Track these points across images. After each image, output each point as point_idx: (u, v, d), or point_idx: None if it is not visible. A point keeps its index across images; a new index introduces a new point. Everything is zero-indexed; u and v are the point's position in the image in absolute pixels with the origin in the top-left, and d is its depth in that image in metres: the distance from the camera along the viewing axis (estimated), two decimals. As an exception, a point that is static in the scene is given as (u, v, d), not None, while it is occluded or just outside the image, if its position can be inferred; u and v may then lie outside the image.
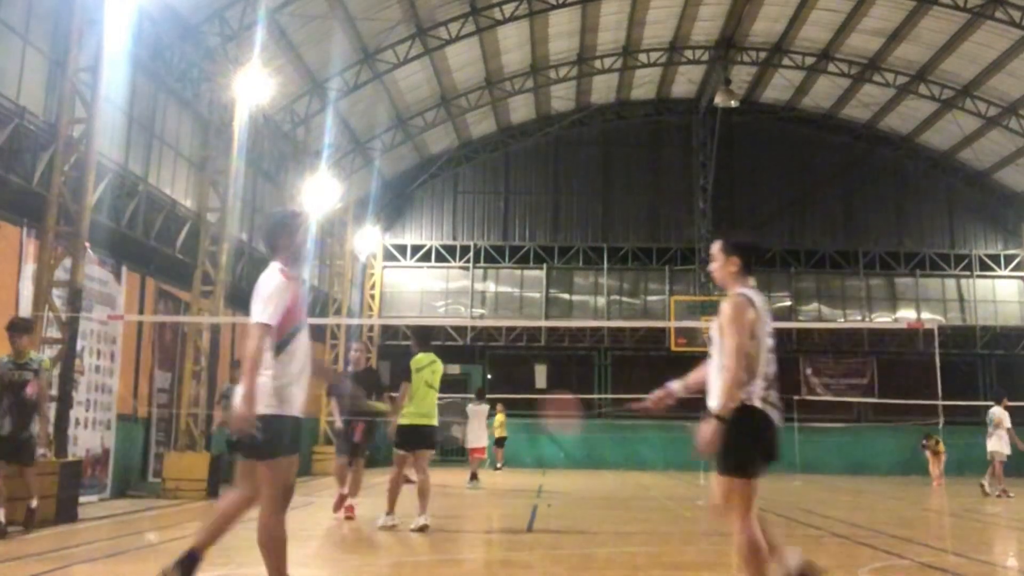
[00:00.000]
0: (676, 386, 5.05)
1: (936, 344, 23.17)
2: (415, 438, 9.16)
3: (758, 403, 4.38)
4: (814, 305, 29.00)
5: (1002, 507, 13.94)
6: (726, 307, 4.50)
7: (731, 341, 4.38)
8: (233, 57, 16.14)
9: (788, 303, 28.74)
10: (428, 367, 9.29)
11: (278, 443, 4.52)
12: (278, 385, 4.54)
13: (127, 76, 13.49)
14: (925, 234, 28.99)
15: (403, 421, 9.13)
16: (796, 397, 24.88)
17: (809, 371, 27.94)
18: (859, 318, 28.59)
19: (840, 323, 28.38)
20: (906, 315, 28.51)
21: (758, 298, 4.56)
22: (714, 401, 4.43)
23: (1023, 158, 26.39)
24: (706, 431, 4.33)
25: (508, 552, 6.56)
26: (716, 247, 4.78)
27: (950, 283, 28.89)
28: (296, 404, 4.64)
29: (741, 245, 4.74)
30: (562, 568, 6.69)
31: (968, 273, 28.70)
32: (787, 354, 27.69)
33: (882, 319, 28.62)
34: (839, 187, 29.09)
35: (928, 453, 20.05)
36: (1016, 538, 9.80)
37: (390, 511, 9.20)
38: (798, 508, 12.92)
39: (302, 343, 4.69)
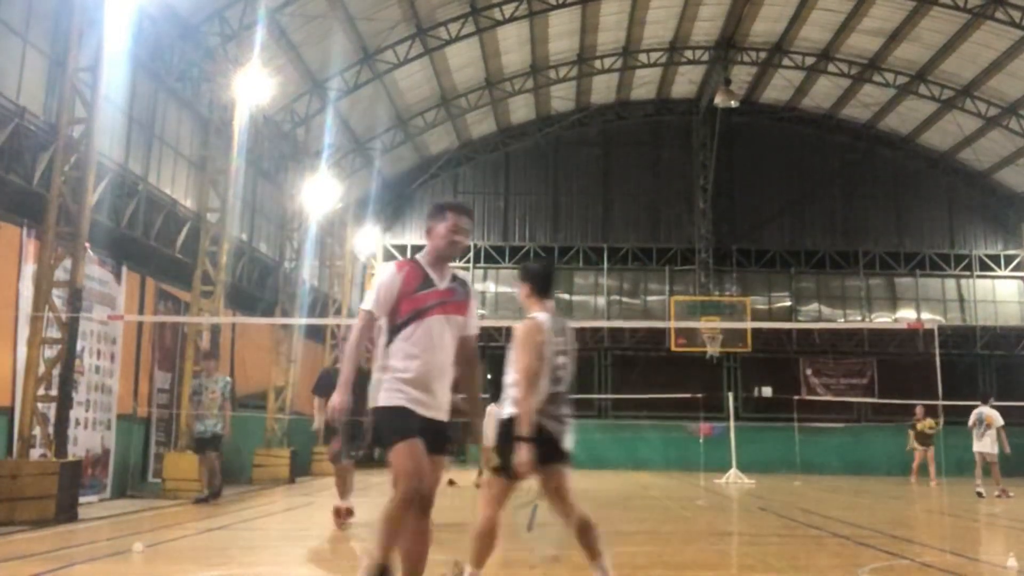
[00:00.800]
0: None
1: (936, 344, 23.18)
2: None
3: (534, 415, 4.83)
4: (814, 305, 29.02)
5: (1002, 507, 13.93)
6: (517, 330, 4.97)
7: (520, 362, 4.84)
8: (233, 57, 16.13)
9: (788, 303, 28.78)
10: None
11: (382, 433, 4.29)
12: (387, 377, 4.30)
13: (127, 76, 13.49)
14: (925, 234, 29.00)
15: None
16: (796, 397, 24.91)
17: (809, 371, 27.95)
18: (859, 318, 28.60)
19: (840, 323, 28.40)
20: (906, 315, 28.53)
21: (549, 321, 4.95)
22: (506, 409, 4.95)
23: (1023, 158, 26.41)
24: (521, 455, 4.77)
25: (508, 552, 6.55)
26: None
27: (950, 283, 28.90)
28: (408, 396, 4.26)
29: (531, 272, 5.16)
30: (562, 568, 6.69)
31: (968, 273, 28.72)
32: (787, 354, 27.73)
33: (882, 319, 28.63)
34: (839, 187, 29.11)
35: (915, 443, 20.03)
36: (1016, 538, 9.79)
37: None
38: (798, 508, 12.92)
39: (422, 335, 4.29)
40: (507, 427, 4.87)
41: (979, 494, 15.99)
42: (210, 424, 12.28)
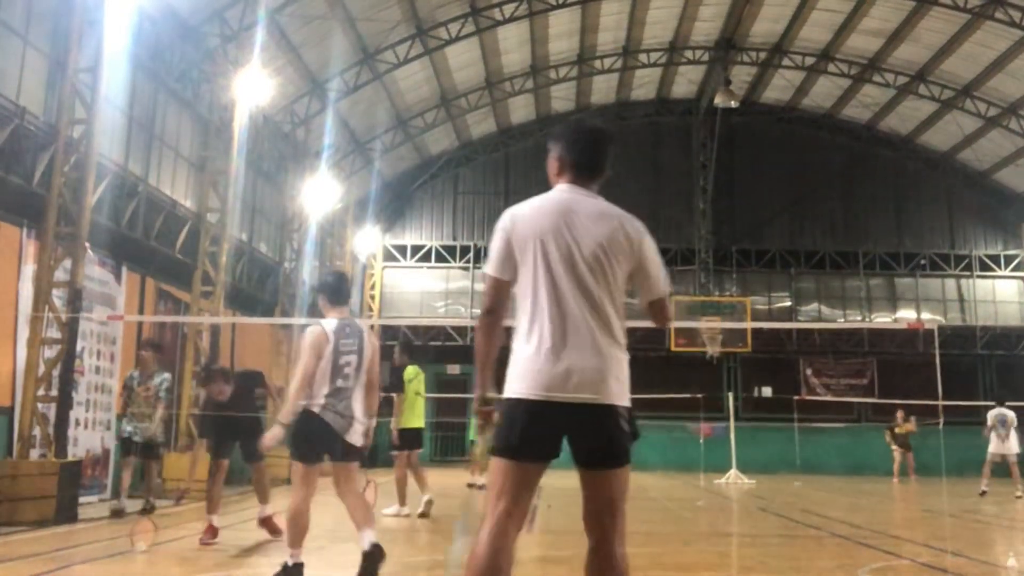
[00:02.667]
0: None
1: (936, 344, 23.18)
2: (415, 440, 10.59)
3: (316, 409, 5.55)
4: (814, 305, 29.01)
5: (1001, 507, 13.93)
6: (304, 334, 5.72)
7: (300, 362, 5.64)
8: (233, 58, 16.13)
9: (788, 303, 28.78)
10: (416, 378, 10.67)
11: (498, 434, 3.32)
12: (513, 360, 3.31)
13: (127, 77, 13.49)
14: (925, 234, 29.00)
15: (407, 425, 10.44)
16: (796, 397, 24.90)
17: (809, 371, 27.94)
18: (859, 318, 28.61)
19: (840, 323, 28.39)
20: (906, 315, 28.53)
21: (334, 325, 5.69)
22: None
23: (1023, 158, 26.40)
24: (269, 436, 5.76)
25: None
26: None
27: (950, 283, 28.90)
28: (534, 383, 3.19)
29: (322, 283, 6.07)
30: (562, 568, 6.69)
31: (968, 273, 28.71)
32: (787, 355, 27.73)
33: (882, 319, 28.62)
34: (839, 187, 29.11)
35: (893, 444, 20.31)
36: (1016, 538, 9.80)
37: (403, 504, 10.33)
38: (798, 508, 12.92)
39: (542, 308, 3.21)
40: (298, 423, 5.59)
41: (1019, 496, 15.83)
42: (141, 427, 10.51)
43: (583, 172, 3.37)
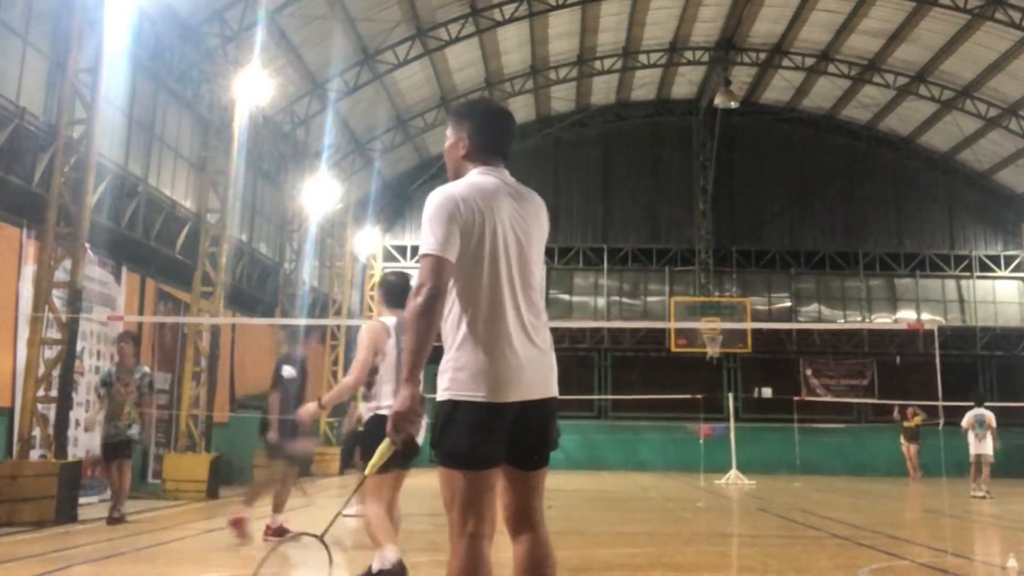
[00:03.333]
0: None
1: (936, 345, 23.18)
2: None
3: (385, 411, 4.88)
4: (814, 306, 29.01)
5: (1001, 508, 13.93)
6: (361, 329, 5.66)
7: (356, 356, 5.48)
8: (233, 58, 16.13)
9: (788, 304, 28.78)
10: None
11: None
12: None
13: (127, 77, 13.50)
14: (925, 235, 29.00)
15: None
16: (796, 398, 24.91)
17: (809, 372, 27.94)
18: (859, 319, 28.62)
19: (840, 324, 28.39)
20: (906, 316, 28.53)
21: (392, 322, 5.51)
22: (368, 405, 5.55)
23: (1023, 159, 26.40)
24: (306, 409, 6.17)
25: (508, 553, 6.56)
26: None
27: (950, 284, 28.90)
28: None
29: (381, 282, 5.99)
30: (562, 569, 6.68)
31: (968, 274, 28.72)
32: (787, 355, 27.73)
33: (882, 320, 28.62)
34: (839, 188, 29.11)
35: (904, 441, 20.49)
36: (1016, 538, 9.79)
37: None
38: (798, 509, 12.92)
39: (495, 299, 3.04)
40: (370, 428, 5.36)
41: (976, 496, 15.98)
42: (122, 426, 9.58)
43: (500, 155, 3.17)
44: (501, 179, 3.12)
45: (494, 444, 2.92)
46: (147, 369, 10.16)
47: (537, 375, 2.98)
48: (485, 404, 2.90)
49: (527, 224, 3.08)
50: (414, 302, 2.92)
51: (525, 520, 3.05)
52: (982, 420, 16.63)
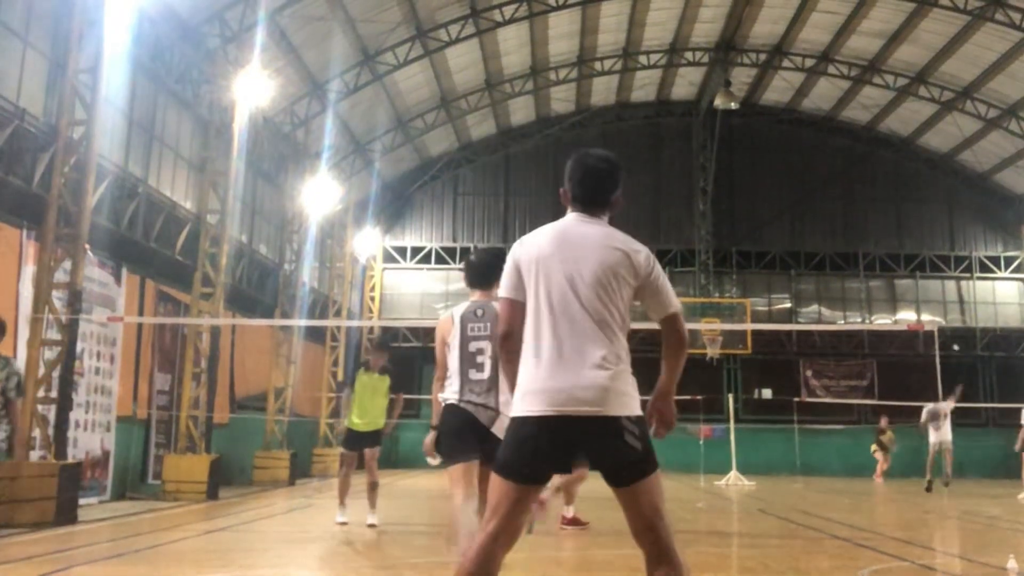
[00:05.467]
0: None
1: (936, 346, 23.17)
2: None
3: (454, 400, 5.04)
4: (814, 307, 29.02)
5: (1001, 508, 13.93)
6: None
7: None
8: (233, 59, 16.13)
9: (788, 305, 28.78)
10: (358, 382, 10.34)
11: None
12: None
13: (127, 77, 13.49)
14: (925, 236, 29.01)
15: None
16: (796, 399, 24.91)
17: (809, 373, 27.94)
18: (859, 320, 28.61)
19: (840, 325, 28.40)
20: (906, 317, 28.53)
21: (460, 310, 5.19)
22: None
23: (1023, 160, 26.41)
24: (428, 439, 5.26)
25: (508, 553, 6.55)
26: None
27: (950, 285, 28.91)
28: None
29: (467, 263, 5.44)
30: (562, 569, 6.69)
31: (968, 275, 28.72)
32: (787, 356, 27.73)
33: (882, 321, 28.63)
34: (839, 189, 29.11)
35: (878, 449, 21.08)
36: (1016, 539, 9.79)
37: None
38: (798, 510, 12.92)
39: (543, 328, 3.42)
40: (441, 421, 5.14)
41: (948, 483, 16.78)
42: None
43: (585, 203, 3.53)
44: (578, 222, 3.50)
45: (533, 459, 3.23)
46: (12, 359, 7.73)
47: (588, 394, 3.27)
48: (527, 418, 3.24)
49: (591, 261, 3.44)
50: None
51: (642, 540, 3.42)
52: (935, 413, 17.19)
